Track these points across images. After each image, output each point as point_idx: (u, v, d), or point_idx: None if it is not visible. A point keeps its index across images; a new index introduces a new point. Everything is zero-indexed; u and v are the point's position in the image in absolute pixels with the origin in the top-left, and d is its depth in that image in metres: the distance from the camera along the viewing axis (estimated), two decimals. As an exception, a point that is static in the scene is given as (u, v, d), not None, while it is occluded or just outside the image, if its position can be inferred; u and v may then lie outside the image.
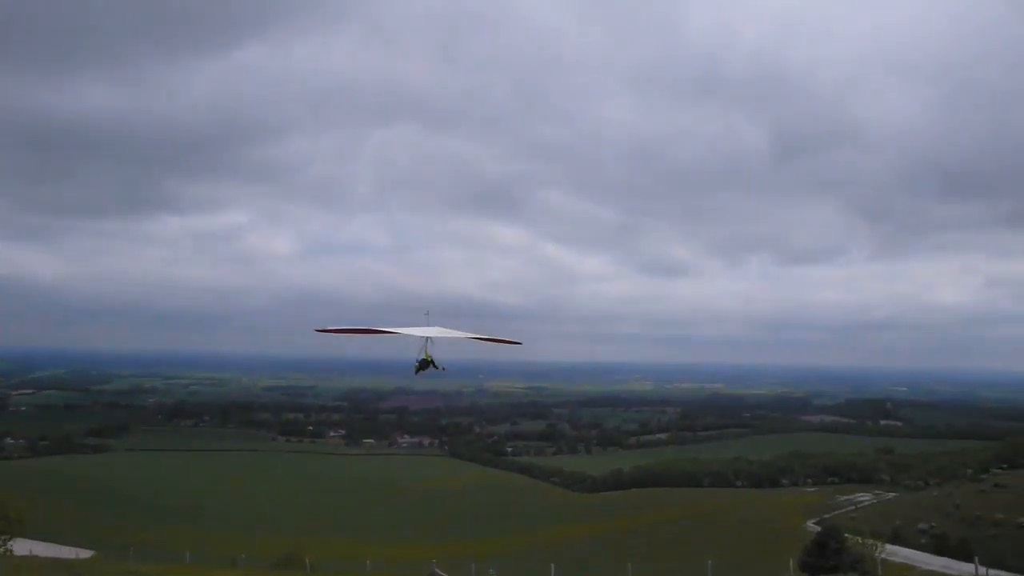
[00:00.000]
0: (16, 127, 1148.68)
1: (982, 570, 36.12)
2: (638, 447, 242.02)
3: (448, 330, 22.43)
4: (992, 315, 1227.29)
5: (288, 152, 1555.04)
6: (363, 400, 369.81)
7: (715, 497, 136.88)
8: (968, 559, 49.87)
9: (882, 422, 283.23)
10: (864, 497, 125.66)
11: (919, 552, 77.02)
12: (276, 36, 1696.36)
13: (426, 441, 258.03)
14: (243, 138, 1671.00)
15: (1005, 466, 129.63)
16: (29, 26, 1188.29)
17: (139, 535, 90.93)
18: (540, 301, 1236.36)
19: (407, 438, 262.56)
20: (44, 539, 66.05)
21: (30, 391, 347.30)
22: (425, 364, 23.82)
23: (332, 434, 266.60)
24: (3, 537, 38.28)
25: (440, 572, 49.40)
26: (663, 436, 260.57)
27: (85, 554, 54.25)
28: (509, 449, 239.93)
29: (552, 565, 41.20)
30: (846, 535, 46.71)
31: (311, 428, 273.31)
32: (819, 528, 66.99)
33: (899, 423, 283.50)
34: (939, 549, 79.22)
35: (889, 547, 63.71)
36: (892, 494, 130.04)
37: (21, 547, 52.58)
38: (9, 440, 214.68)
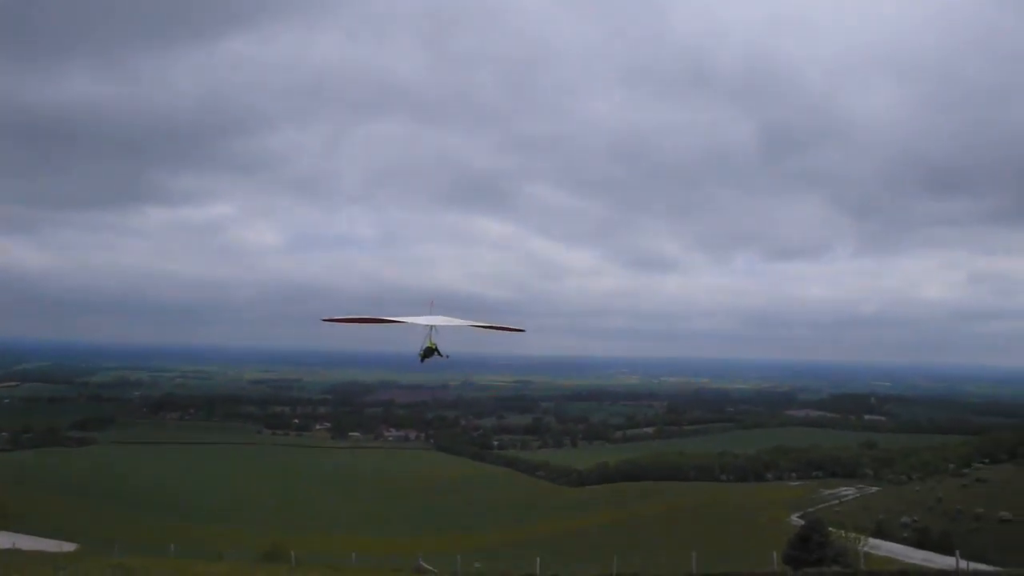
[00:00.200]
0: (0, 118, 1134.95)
1: (963, 563, 36.50)
2: (624, 441, 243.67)
3: (451, 319, 23.01)
4: (975, 311, 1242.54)
5: (275, 144, 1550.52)
6: (349, 393, 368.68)
7: (700, 491, 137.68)
8: (950, 553, 50.45)
9: (866, 417, 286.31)
10: (847, 491, 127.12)
11: (901, 545, 78.01)
12: (263, 27, 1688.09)
13: (412, 435, 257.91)
14: (230, 130, 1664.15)
15: (987, 461, 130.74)
16: (13, 17, 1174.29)
17: (124, 528, 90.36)
18: (527, 295, 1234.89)
19: (393, 431, 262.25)
20: (28, 532, 65.70)
21: (14, 383, 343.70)
22: (430, 352, 24.35)
23: (318, 427, 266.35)
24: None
25: (426, 565, 49.45)
26: (649, 430, 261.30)
27: (69, 547, 53.89)
28: (495, 443, 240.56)
29: (538, 558, 41.43)
30: (830, 528, 47.12)
31: (297, 421, 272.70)
32: (803, 521, 67.74)
33: (882, 418, 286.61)
34: (921, 543, 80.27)
35: (872, 541, 64.45)
36: (875, 488, 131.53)
37: (4, 540, 52.42)
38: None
